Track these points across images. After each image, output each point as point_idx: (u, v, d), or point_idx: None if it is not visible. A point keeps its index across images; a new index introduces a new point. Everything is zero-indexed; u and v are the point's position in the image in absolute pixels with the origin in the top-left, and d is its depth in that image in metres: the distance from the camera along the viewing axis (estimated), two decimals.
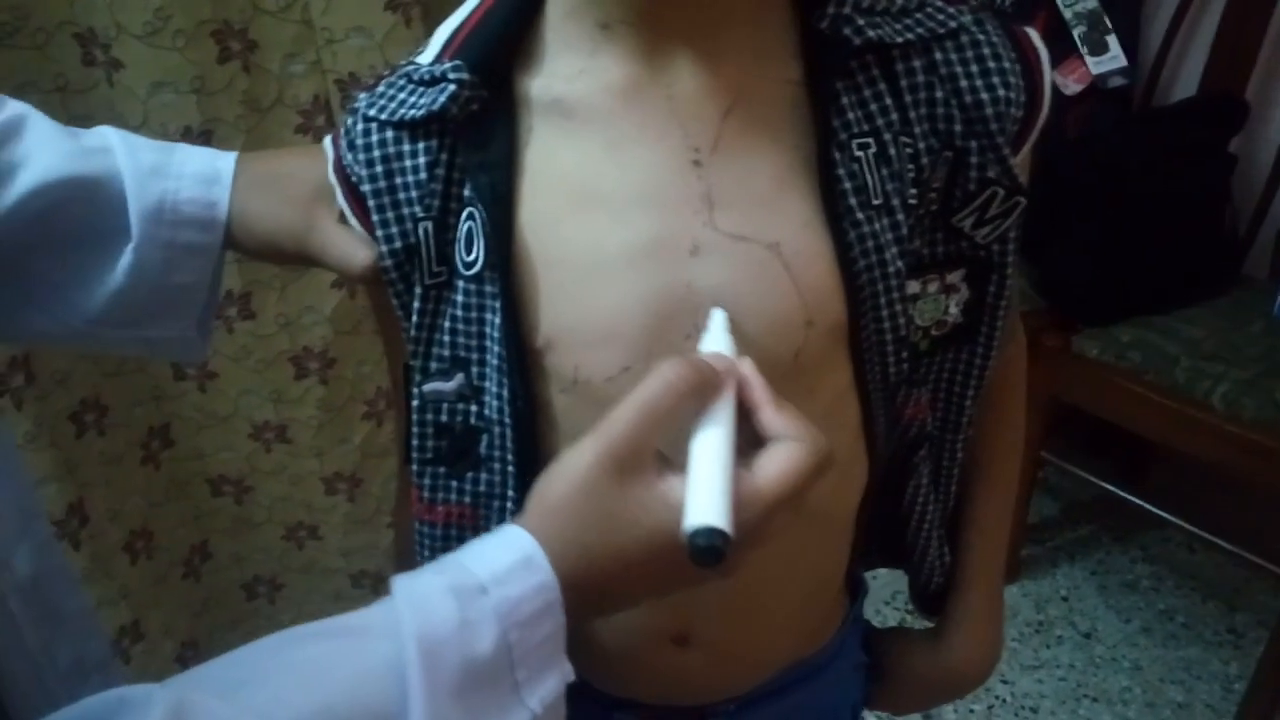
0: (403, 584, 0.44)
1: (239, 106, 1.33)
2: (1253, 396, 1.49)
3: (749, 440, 0.48)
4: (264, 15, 1.30)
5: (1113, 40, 1.78)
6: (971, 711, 1.71)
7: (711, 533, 0.43)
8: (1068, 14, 1.78)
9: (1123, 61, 1.79)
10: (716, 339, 0.52)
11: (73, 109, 1.27)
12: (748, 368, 0.50)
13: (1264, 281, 1.77)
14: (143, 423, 1.50)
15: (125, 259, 0.62)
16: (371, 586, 1.76)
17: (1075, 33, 1.78)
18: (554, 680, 0.45)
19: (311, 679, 0.40)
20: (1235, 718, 1.67)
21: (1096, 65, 1.78)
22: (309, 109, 1.37)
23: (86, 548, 1.40)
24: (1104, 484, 1.96)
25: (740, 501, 0.45)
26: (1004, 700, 1.73)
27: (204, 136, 1.31)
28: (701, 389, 0.48)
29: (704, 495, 0.44)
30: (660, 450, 0.47)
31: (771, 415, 0.48)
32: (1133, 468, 2.06)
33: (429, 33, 0.61)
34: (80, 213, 0.61)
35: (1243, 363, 1.54)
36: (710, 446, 0.46)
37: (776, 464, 0.47)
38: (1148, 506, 1.91)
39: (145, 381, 1.49)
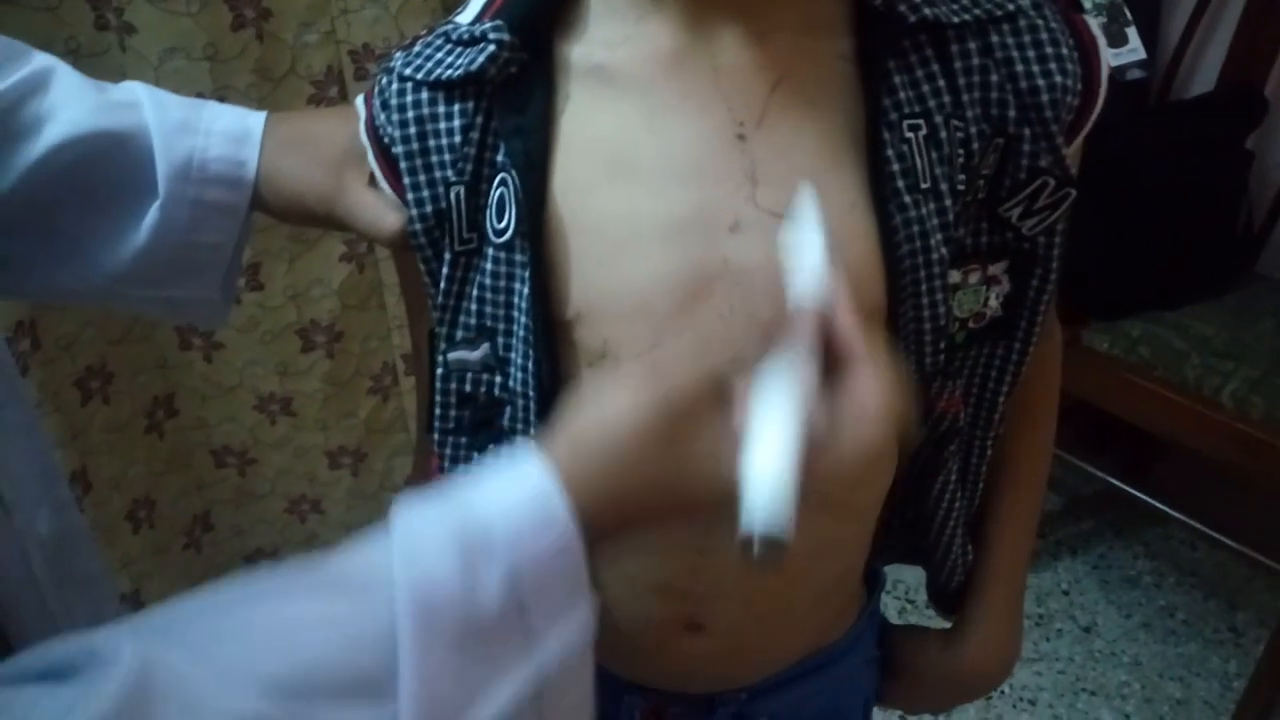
0: (401, 527, 0.41)
1: (251, 75, 1.32)
2: (1262, 395, 1.48)
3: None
4: None
5: (1132, 32, 1.76)
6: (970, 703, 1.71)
7: (771, 542, 0.41)
8: (1088, 4, 1.76)
9: (1142, 54, 1.77)
10: (807, 241, 0.47)
11: (84, 73, 1.25)
12: (840, 291, 0.46)
13: (1277, 279, 1.76)
14: (148, 391, 1.50)
15: (151, 216, 0.61)
16: None
17: (1095, 24, 1.76)
18: (573, 628, 0.43)
19: (292, 638, 0.38)
20: (1233, 716, 1.67)
21: (1116, 57, 1.76)
22: (322, 79, 1.36)
23: (88, 515, 1.40)
24: (1107, 478, 1.95)
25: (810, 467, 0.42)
26: (1003, 692, 1.73)
27: None
28: (722, 396, 0.45)
29: (765, 492, 0.41)
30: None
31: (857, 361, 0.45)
32: (1136, 463, 2.05)
33: (444, 5, 0.60)
34: (106, 168, 0.60)
35: (1253, 360, 1.53)
36: (774, 422, 0.42)
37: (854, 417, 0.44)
38: (1151, 502, 1.91)
39: (151, 350, 1.48)
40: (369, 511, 1.72)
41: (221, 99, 1.30)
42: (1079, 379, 1.68)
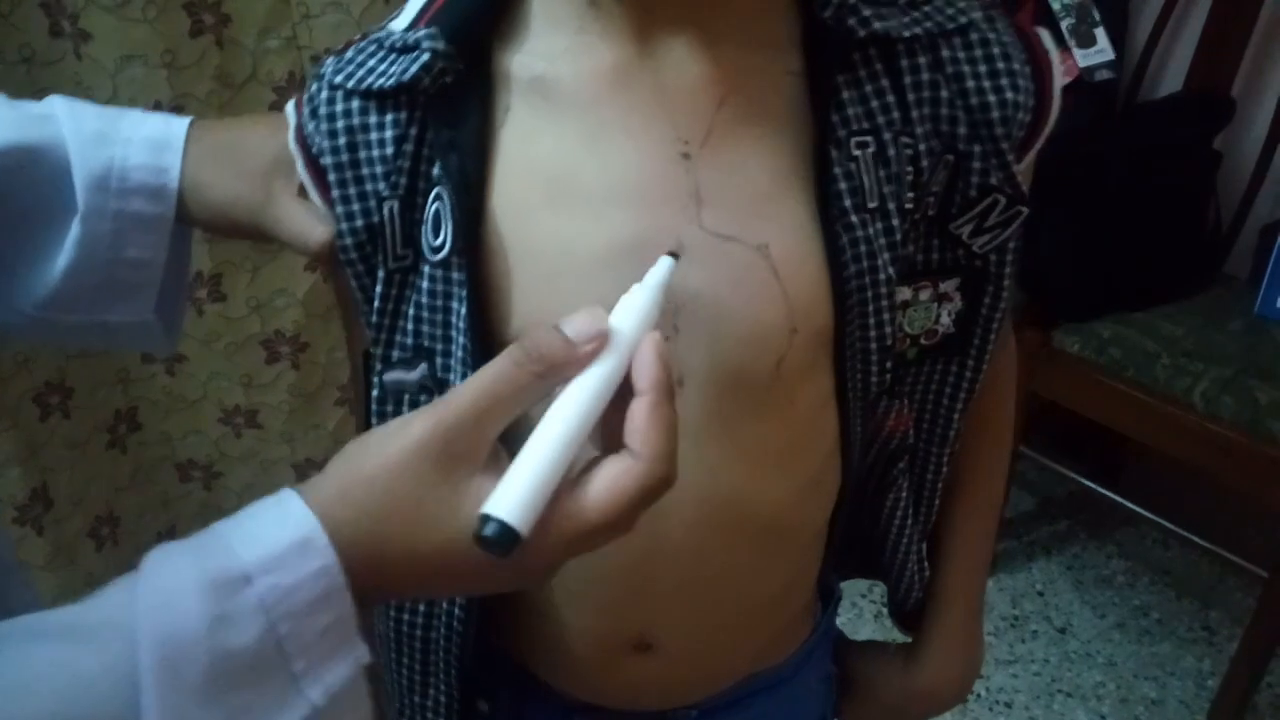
0: (149, 571, 0.39)
1: (211, 82, 1.30)
2: (1232, 395, 1.48)
3: (613, 434, 0.42)
4: None
5: (1100, 33, 1.77)
6: None
7: (501, 527, 0.39)
8: (1056, 5, 1.76)
9: (1110, 55, 1.78)
10: (638, 298, 0.45)
11: (39, 81, 1.23)
12: (649, 344, 0.43)
13: (1244, 280, 1.77)
14: (109, 406, 1.47)
15: (72, 232, 0.58)
16: None
17: (1063, 25, 1.77)
18: (343, 668, 0.40)
19: (20, 690, 0.35)
20: (1208, 715, 1.67)
21: (1084, 58, 1.76)
22: (284, 85, 1.33)
23: (50, 534, 1.37)
24: (1080, 479, 1.96)
25: (560, 513, 0.40)
26: (979, 695, 1.73)
27: (175, 112, 1.26)
28: (547, 374, 0.42)
29: (510, 486, 0.40)
30: (500, 445, 0.42)
31: (641, 412, 0.42)
32: (1108, 463, 2.06)
33: None
34: (23, 185, 0.57)
35: (1223, 361, 1.53)
36: (545, 430, 0.41)
37: (606, 484, 0.41)
38: (1123, 502, 1.92)
39: (111, 364, 1.45)
40: None
41: (181, 107, 1.28)
42: (1050, 381, 1.69)
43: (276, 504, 0.41)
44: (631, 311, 0.44)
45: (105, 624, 0.37)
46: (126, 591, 0.38)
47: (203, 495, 1.61)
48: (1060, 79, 0.57)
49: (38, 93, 1.24)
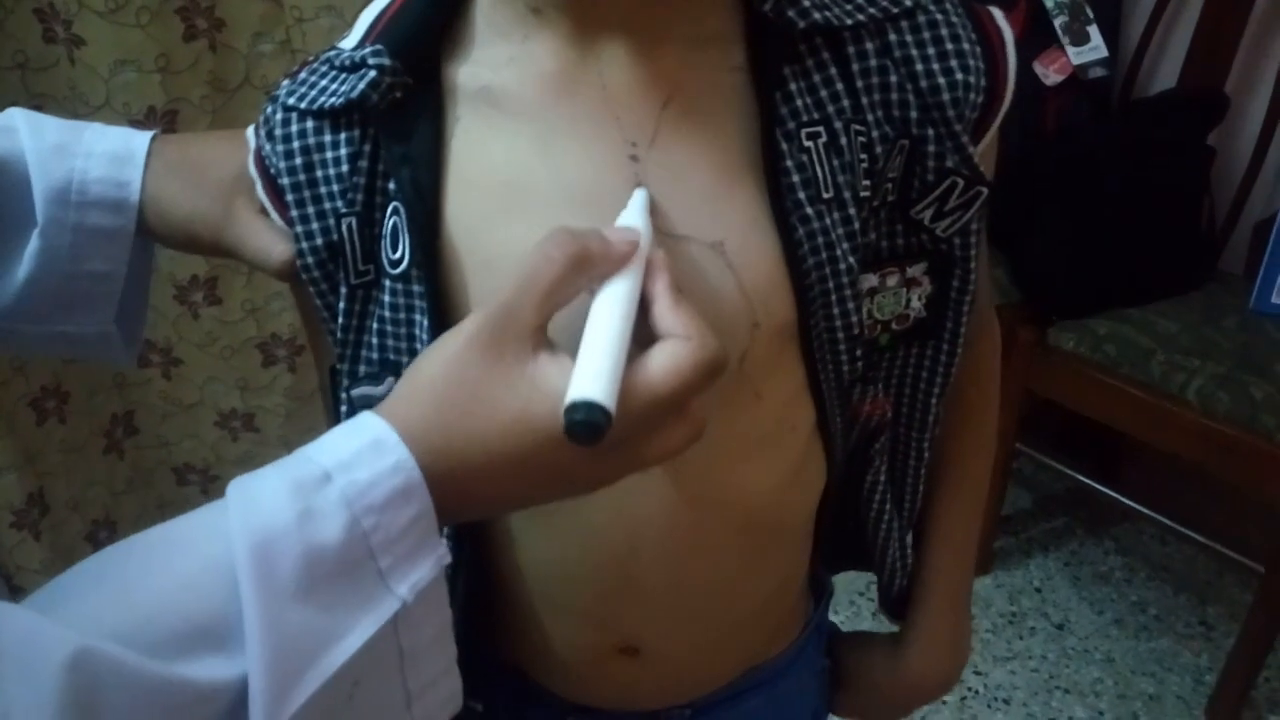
0: (237, 483, 0.41)
1: (205, 86, 1.30)
2: (1228, 391, 1.49)
3: (644, 339, 0.44)
4: None
5: (1094, 30, 1.77)
6: (944, 703, 1.71)
7: (591, 407, 0.38)
8: (1049, 3, 1.77)
9: (1104, 52, 1.78)
10: (630, 218, 0.48)
11: (33, 87, 1.23)
12: (659, 254, 0.46)
13: (1239, 276, 1.77)
14: (105, 410, 1.47)
15: (31, 244, 0.58)
16: None
17: (1056, 22, 1.77)
18: (427, 566, 0.42)
19: (128, 591, 0.37)
20: (1206, 710, 1.68)
21: (1077, 56, 1.76)
22: None
23: (47, 538, 1.37)
24: (1077, 476, 1.96)
25: (625, 390, 0.41)
26: (976, 691, 1.73)
27: (168, 117, 1.28)
28: (584, 261, 0.43)
29: (588, 369, 0.40)
30: (551, 338, 0.44)
31: (666, 310, 0.44)
32: (1106, 460, 2.07)
33: None
34: None
35: (1218, 357, 1.54)
36: (603, 322, 0.42)
37: (663, 359, 0.42)
38: (1120, 499, 1.92)
39: (108, 368, 1.46)
40: None
41: (175, 111, 1.28)
42: (1046, 378, 1.69)
43: (349, 421, 0.43)
44: (631, 226, 0.47)
45: (201, 528, 0.40)
46: (217, 505, 0.40)
47: (200, 499, 1.60)
48: (1014, 54, 0.56)
49: (32, 98, 1.24)
